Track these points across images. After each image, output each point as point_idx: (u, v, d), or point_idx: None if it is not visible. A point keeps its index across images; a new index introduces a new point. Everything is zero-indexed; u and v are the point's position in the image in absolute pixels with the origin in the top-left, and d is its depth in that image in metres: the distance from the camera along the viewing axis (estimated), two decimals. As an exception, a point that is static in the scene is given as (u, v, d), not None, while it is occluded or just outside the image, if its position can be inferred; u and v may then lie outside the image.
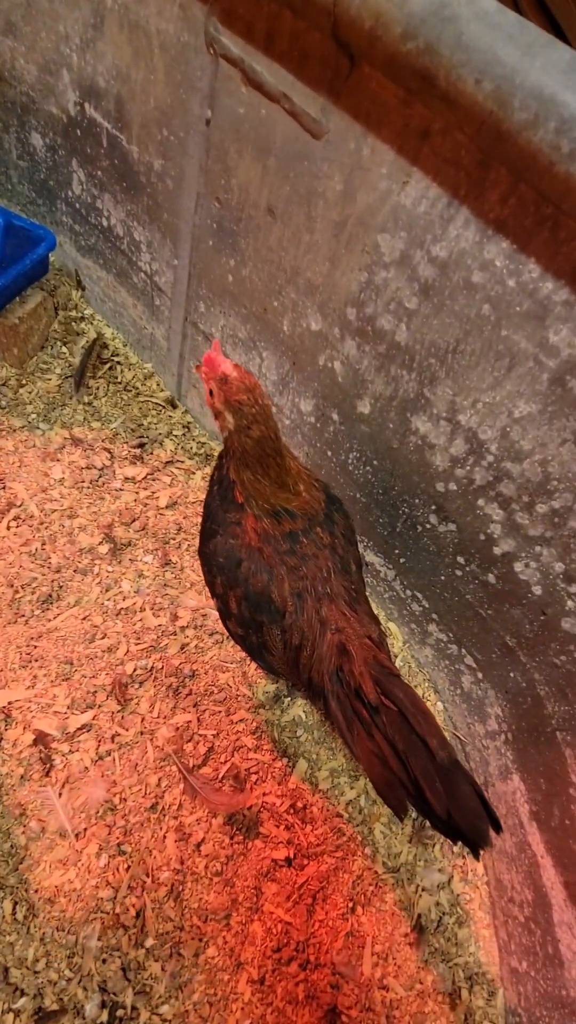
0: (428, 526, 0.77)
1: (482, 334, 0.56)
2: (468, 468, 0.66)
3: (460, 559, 0.75)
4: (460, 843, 0.49)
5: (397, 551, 0.85)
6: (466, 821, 0.47)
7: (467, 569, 0.75)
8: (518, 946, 0.74)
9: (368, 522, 0.87)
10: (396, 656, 0.96)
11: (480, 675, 0.83)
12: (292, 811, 0.81)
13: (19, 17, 0.82)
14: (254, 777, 0.82)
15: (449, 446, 0.66)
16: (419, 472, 0.72)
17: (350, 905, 0.76)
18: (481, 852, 0.49)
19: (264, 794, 0.81)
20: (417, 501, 0.76)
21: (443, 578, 0.80)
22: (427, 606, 0.87)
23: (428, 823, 0.55)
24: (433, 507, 0.74)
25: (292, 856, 0.77)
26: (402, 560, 0.86)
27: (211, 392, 0.57)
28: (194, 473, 1.07)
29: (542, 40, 0.40)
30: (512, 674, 0.76)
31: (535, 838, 0.72)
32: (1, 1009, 0.62)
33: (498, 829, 0.47)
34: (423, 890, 0.79)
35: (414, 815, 0.83)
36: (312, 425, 0.84)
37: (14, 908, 0.66)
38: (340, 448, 0.82)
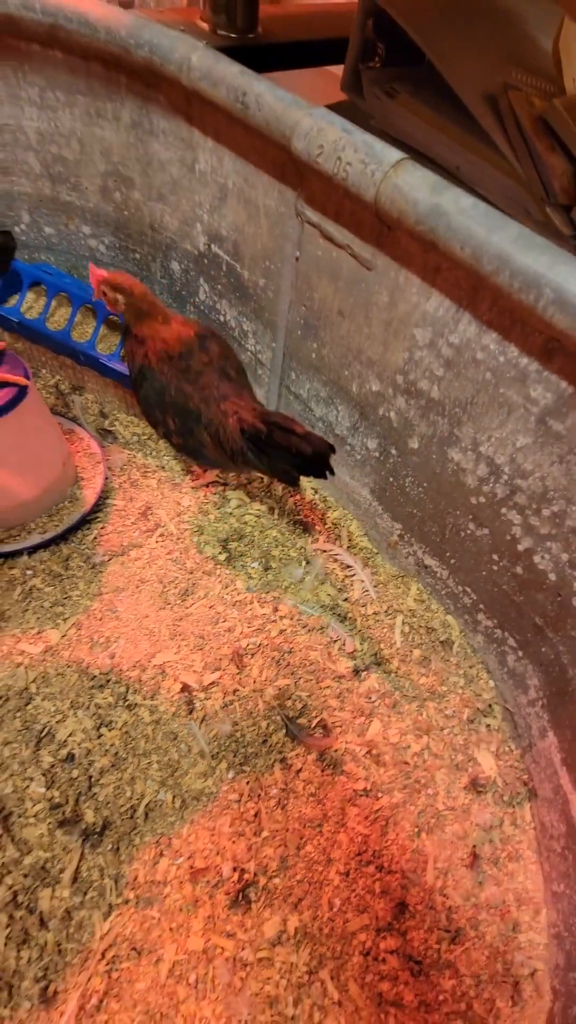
0: (468, 532, 0.99)
1: (488, 391, 0.80)
2: (491, 485, 0.89)
3: (495, 556, 0.97)
4: (319, 470, 0.91)
5: (448, 554, 1.08)
6: (320, 447, 0.87)
7: (500, 564, 0.97)
8: (557, 872, 0.90)
9: (423, 531, 1.11)
10: (454, 643, 1.17)
11: (520, 653, 1.02)
12: (368, 756, 1.04)
13: (167, 191, 1.21)
14: (338, 729, 1.06)
15: (476, 469, 0.90)
16: (457, 490, 0.96)
17: (416, 831, 0.97)
18: (329, 464, 0.90)
19: (347, 742, 1.05)
20: (458, 512, 0.99)
21: (484, 573, 1.02)
22: (475, 598, 1.08)
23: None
24: (470, 516, 0.97)
25: (368, 788, 1.00)
26: (452, 561, 1.08)
27: (104, 293, 0.96)
28: (286, 500, 1.37)
29: (500, 221, 0.67)
30: (543, 648, 0.95)
31: (565, 779, 0.89)
32: (166, 867, 0.90)
33: (333, 449, 0.88)
34: (477, 826, 0.98)
35: (469, 767, 1.02)
36: (376, 459, 1.11)
37: (173, 799, 0.95)
38: (399, 475, 1.08)
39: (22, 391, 1.01)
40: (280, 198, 0.96)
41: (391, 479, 1.10)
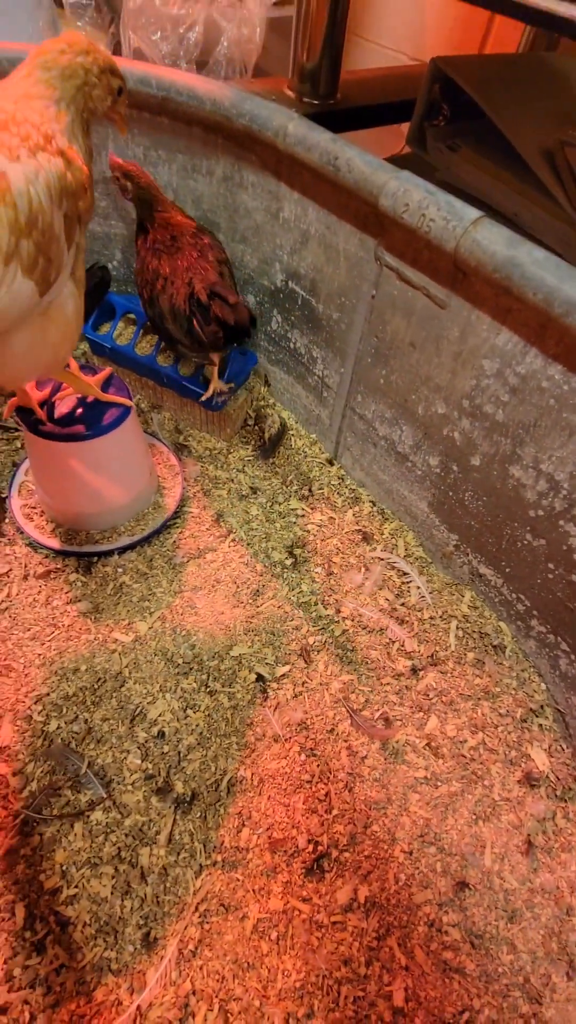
0: (525, 542, 1.09)
1: (551, 415, 0.90)
2: (550, 499, 0.99)
3: (551, 565, 1.06)
4: (243, 340, 1.22)
5: (503, 563, 1.17)
6: (242, 319, 1.12)
7: (556, 572, 1.05)
8: (609, 861, 0.97)
9: (480, 542, 1.20)
10: (507, 647, 1.25)
11: (573, 657, 1.10)
12: (428, 748, 1.12)
13: (250, 234, 1.36)
14: (398, 722, 1.15)
15: (536, 485, 1.00)
16: (516, 504, 1.06)
17: (473, 818, 1.05)
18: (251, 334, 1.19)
19: (407, 734, 1.13)
20: (516, 524, 1.09)
21: (539, 581, 1.10)
22: (528, 605, 1.17)
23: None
24: (528, 528, 1.06)
25: (428, 777, 1.08)
26: (507, 570, 1.17)
27: (117, 179, 1.15)
28: (346, 511, 1.48)
29: (569, 272, 0.78)
30: (596, 652, 1.03)
31: (618, 773, 0.96)
32: (248, 835, 1.00)
33: (255, 322, 1.20)
34: (531, 816, 1.05)
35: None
36: (438, 475, 1.21)
37: (252, 776, 1.05)
38: (459, 490, 1.18)
39: (126, 411, 1.15)
40: (360, 244, 1.09)
41: (450, 493, 1.21)
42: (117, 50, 2.07)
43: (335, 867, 0.98)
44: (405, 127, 1.40)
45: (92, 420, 1.12)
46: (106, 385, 1.17)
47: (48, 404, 1.11)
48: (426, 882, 0.98)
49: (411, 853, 1.00)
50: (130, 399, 1.17)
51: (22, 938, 0.87)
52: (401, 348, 1.12)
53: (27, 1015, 0.82)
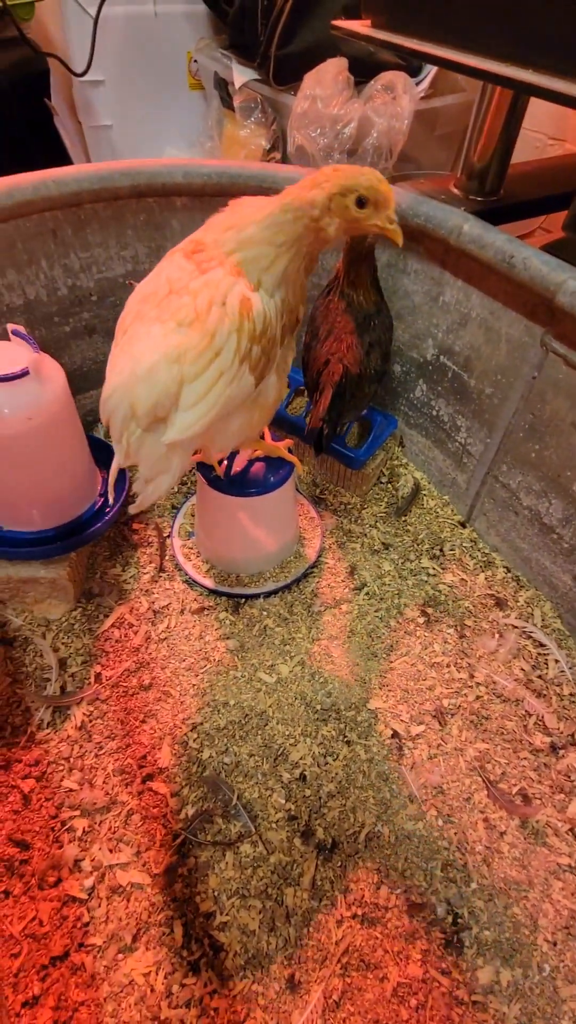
0: None
1: None
2: None
3: None
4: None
5: None
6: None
7: None
8: None
9: (633, 623, 1.18)
10: None
11: None
12: (571, 833, 1.09)
13: (406, 313, 1.47)
14: (537, 801, 1.13)
15: None
16: None
17: (623, 918, 1.00)
18: None
19: (547, 815, 1.11)
20: None
21: None
22: None
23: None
24: None
25: (573, 865, 1.05)
26: None
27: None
28: (478, 574, 1.50)
29: None
30: None
31: None
32: (387, 894, 1.02)
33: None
34: None
35: None
36: (588, 550, 1.22)
37: (389, 833, 1.08)
38: (612, 568, 1.17)
39: (291, 470, 1.28)
40: (525, 330, 1.16)
41: (600, 569, 1.20)
42: (276, 145, 2.35)
43: (476, 944, 0.97)
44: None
45: (261, 477, 1.25)
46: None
47: (226, 462, 1.26)
48: (572, 977, 0.94)
49: (555, 944, 0.97)
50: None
51: (180, 956, 0.94)
52: (560, 427, 1.16)
53: (184, 1032, 0.88)
